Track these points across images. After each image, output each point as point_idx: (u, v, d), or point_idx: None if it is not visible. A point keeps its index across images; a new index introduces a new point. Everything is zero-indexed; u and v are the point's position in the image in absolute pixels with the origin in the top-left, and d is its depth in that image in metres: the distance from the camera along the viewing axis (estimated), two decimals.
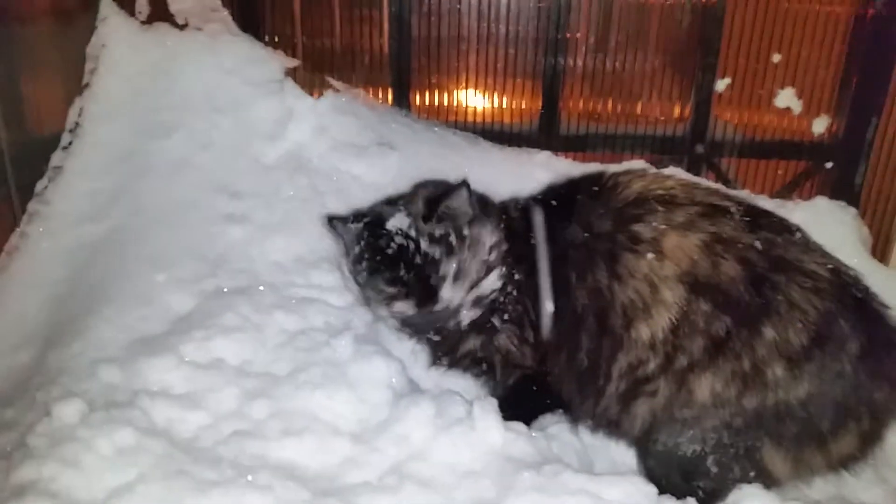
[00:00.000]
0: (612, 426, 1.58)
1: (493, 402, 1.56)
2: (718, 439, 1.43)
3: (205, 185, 2.15)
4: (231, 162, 2.20)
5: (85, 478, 1.33)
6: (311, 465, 1.47)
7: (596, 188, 1.61)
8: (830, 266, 1.47)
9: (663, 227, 1.48)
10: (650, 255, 1.46)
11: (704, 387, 1.41)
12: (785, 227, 1.52)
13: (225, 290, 1.88)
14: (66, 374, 1.61)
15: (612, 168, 1.72)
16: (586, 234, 1.54)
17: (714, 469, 1.45)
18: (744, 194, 1.73)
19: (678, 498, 1.46)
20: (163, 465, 1.38)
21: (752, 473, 1.45)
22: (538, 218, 1.66)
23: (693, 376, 1.42)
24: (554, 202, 1.68)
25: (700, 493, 1.48)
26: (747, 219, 1.48)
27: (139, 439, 1.42)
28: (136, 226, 2.05)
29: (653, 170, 2.02)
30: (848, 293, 1.44)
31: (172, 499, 1.31)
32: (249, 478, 1.37)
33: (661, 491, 1.47)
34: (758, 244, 1.44)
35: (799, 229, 1.55)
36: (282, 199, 2.15)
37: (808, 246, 1.51)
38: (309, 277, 2.01)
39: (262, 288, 1.89)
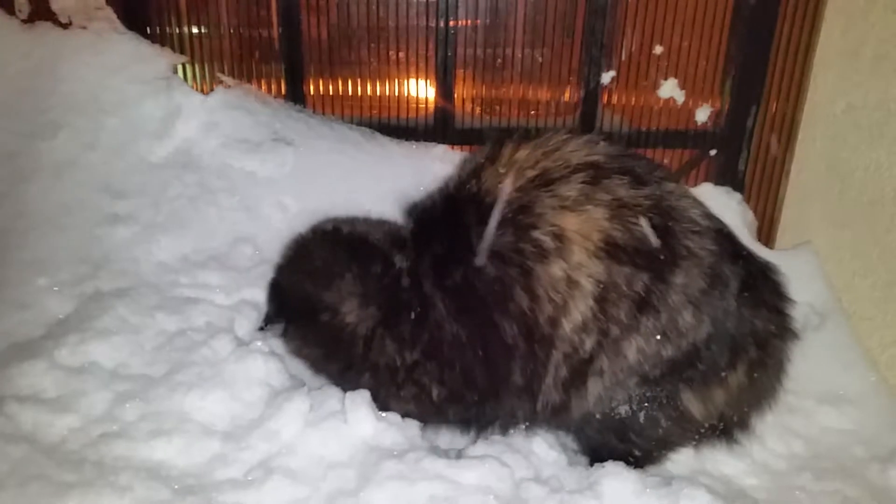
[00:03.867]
0: (557, 414, 1.55)
1: (366, 394, 1.58)
2: (643, 394, 1.49)
3: (90, 186, 2.12)
4: (117, 161, 2.18)
5: None
6: (177, 464, 1.47)
7: (475, 200, 1.52)
8: (702, 210, 1.54)
9: (559, 213, 1.44)
10: (558, 257, 1.43)
11: (633, 348, 1.45)
12: (656, 174, 1.54)
13: (105, 291, 1.87)
14: None
15: (465, 162, 1.64)
16: (497, 262, 1.48)
17: (645, 424, 1.51)
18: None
19: (616, 459, 1.53)
20: (21, 470, 1.37)
21: (676, 420, 1.52)
22: (437, 262, 1.57)
23: (624, 342, 1.45)
24: (445, 234, 1.57)
25: (635, 451, 1.55)
26: (627, 175, 1.48)
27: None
28: (18, 229, 2.02)
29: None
30: (721, 234, 1.52)
31: (27, 503, 1.30)
32: (111, 479, 1.37)
33: (599, 458, 1.54)
34: (649, 199, 1.46)
35: (663, 168, 1.63)
36: (169, 198, 2.13)
37: (682, 190, 1.56)
38: (195, 277, 2.00)
39: (142, 289, 1.88)
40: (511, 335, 1.49)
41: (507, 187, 1.50)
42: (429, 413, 1.61)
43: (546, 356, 1.49)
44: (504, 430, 1.65)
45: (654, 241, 1.43)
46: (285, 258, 1.70)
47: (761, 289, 1.56)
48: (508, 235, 1.48)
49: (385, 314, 1.60)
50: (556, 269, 1.44)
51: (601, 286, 1.43)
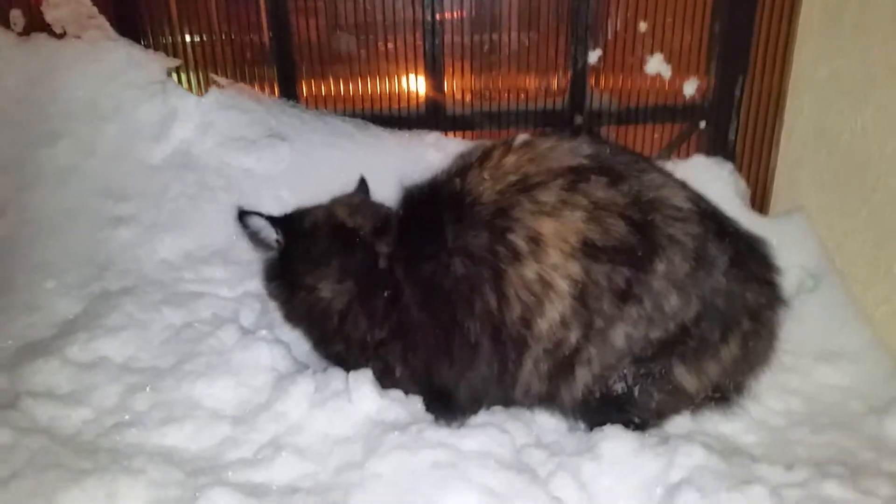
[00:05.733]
0: (545, 401, 1.63)
1: (368, 373, 1.62)
2: (636, 372, 1.54)
3: (92, 191, 2.19)
4: (117, 165, 2.23)
5: None
6: (189, 448, 1.52)
7: (457, 199, 1.57)
8: (686, 194, 1.58)
9: (536, 218, 1.49)
10: (532, 259, 1.49)
11: (620, 335, 1.51)
12: (636, 167, 1.58)
13: (111, 290, 1.92)
14: None
15: (461, 157, 1.69)
16: (468, 262, 1.53)
17: (640, 397, 1.56)
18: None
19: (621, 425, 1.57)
20: (39, 460, 1.41)
21: (670, 392, 1.57)
22: (412, 252, 1.62)
23: (611, 331, 1.50)
24: (422, 227, 1.62)
25: (636, 419, 1.60)
26: (605, 175, 1.53)
27: (17, 438, 1.46)
28: (24, 235, 2.08)
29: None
30: (706, 215, 1.57)
31: (46, 490, 1.34)
32: (125, 464, 1.42)
33: (599, 426, 1.58)
34: (627, 197, 1.51)
35: (646, 160, 1.67)
36: (169, 198, 2.19)
37: (664, 179, 1.59)
38: (199, 272, 2.06)
39: (148, 287, 1.94)
40: (474, 334, 1.55)
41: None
42: (390, 387, 1.65)
43: (518, 354, 1.55)
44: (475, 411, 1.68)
45: None
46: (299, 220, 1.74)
47: (749, 262, 1.60)
48: (483, 237, 1.53)
49: (360, 290, 1.66)
50: (529, 271, 1.50)
51: (579, 285, 1.48)
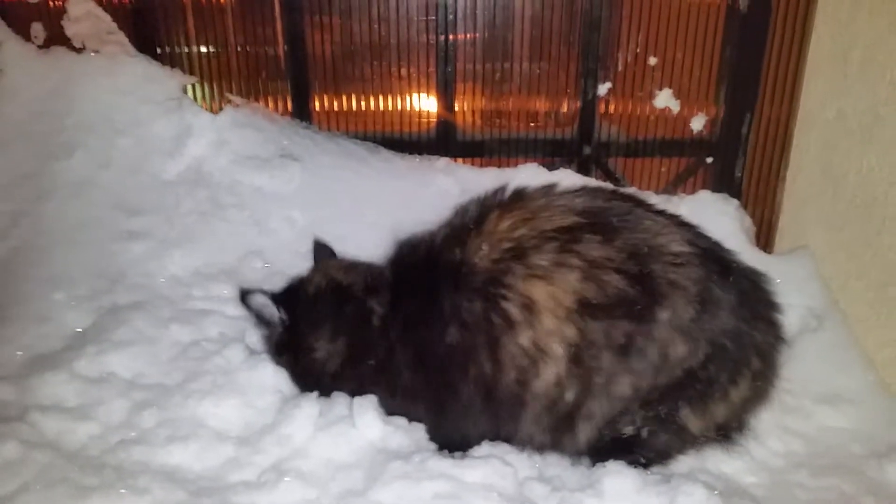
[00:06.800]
0: (549, 450, 1.63)
1: (372, 399, 1.64)
2: (644, 414, 1.55)
3: (105, 204, 2.21)
4: (131, 180, 2.26)
5: None
6: (193, 468, 1.53)
7: (454, 268, 1.58)
8: (686, 238, 1.57)
9: (529, 283, 1.51)
10: (527, 327, 1.50)
11: (625, 386, 1.51)
12: (631, 217, 1.58)
13: (121, 305, 1.94)
14: None
15: (447, 218, 1.71)
16: (462, 330, 1.55)
17: (648, 438, 1.56)
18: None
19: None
20: (46, 475, 1.43)
21: (675, 433, 1.57)
22: (408, 317, 1.63)
23: (613, 385, 1.51)
24: (419, 295, 1.63)
25: (641, 458, 1.60)
26: (599, 234, 1.54)
27: (25, 452, 1.48)
28: (37, 246, 2.10)
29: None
30: (707, 255, 1.57)
31: None
32: (129, 482, 1.43)
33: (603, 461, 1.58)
34: (623, 252, 1.51)
35: (642, 205, 1.66)
36: (181, 214, 2.21)
37: (660, 225, 1.59)
38: (207, 289, 2.07)
39: (157, 302, 1.95)
40: (467, 396, 1.57)
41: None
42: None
43: (514, 412, 1.56)
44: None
45: None
46: (299, 292, 1.74)
47: (755, 302, 1.61)
48: (477, 306, 1.54)
49: (352, 349, 1.68)
50: (524, 338, 1.51)
51: (573, 347, 1.49)
